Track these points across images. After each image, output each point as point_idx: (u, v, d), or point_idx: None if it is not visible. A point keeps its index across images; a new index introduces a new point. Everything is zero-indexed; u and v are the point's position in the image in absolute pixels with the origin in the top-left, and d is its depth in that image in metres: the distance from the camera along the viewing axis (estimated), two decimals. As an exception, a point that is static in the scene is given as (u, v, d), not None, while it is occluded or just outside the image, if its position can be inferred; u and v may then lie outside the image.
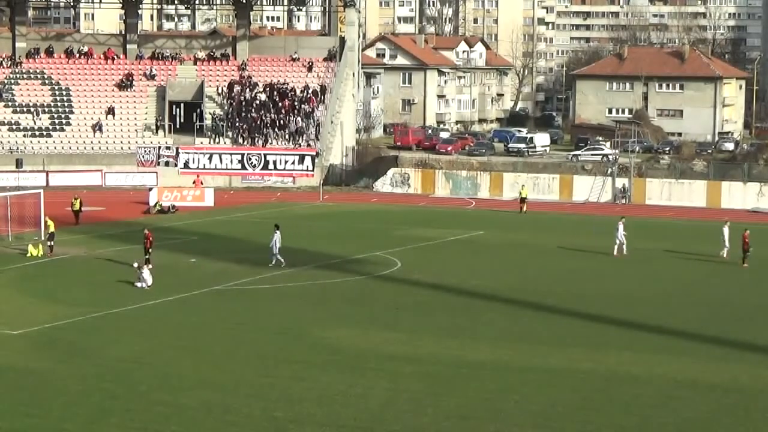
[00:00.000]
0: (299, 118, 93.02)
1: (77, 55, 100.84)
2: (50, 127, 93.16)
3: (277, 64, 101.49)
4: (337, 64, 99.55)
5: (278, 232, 51.06)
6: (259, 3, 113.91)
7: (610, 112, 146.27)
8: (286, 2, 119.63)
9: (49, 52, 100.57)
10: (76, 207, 66.15)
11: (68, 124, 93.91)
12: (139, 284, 45.10)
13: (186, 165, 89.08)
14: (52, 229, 53.92)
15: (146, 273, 45.48)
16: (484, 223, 69.56)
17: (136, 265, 46.28)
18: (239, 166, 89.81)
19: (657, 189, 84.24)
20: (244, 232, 63.20)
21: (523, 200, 77.15)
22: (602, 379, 32.08)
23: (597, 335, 38.22)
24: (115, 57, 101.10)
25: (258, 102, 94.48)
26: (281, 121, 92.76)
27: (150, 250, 49.62)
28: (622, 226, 56.37)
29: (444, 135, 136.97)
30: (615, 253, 55.83)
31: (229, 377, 31.59)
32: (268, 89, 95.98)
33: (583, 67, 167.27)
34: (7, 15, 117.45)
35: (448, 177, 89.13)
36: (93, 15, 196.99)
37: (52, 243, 53.68)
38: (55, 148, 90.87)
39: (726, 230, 56.20)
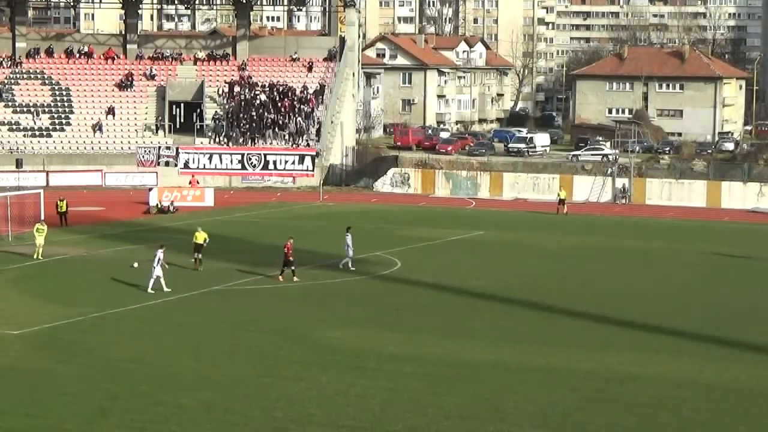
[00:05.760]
0: (299, 118, 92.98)
1: (77, 55, 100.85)
2: (50, 127, 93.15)
3: (277, 64, 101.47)
4: (337, 64, 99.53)
5: (348, 234, 50.39)
6: (259, 3, 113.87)
7: (610, 112, 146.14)
8: (286, 2, 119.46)
9: (49, 52, 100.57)
10: (63, 209, 64.35)
11: (68, 124, 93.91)
12: (154, 274, 43.87)
13: (186, 165, 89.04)
14: (202, 240, 49.82)
15: (157, 266, 44.19)
16: (484, 223, 69.53)
17: (136, 264, 46.14)
18: (239, 166, 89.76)
19: (657, 189, 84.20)
20: (244, 232, 63.21)
21: (562, 201, 75.82)
22: (602, 379, 32.05)
23: (597, 335, 38.19)
24: (115, 57, 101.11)
25: (258, 102, 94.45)
26: (281, 121, 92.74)
27: (292, 260, 46.72)
28: None
29: (444, 135, 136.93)
30: None
31: (229, 377, 31.57)
32: (268, 89, 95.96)
33: (583, 67, 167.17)
34: (7, 15, 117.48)
35: (448, 177, 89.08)
36: (93, 15, 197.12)
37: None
38: (55, 148, 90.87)
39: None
